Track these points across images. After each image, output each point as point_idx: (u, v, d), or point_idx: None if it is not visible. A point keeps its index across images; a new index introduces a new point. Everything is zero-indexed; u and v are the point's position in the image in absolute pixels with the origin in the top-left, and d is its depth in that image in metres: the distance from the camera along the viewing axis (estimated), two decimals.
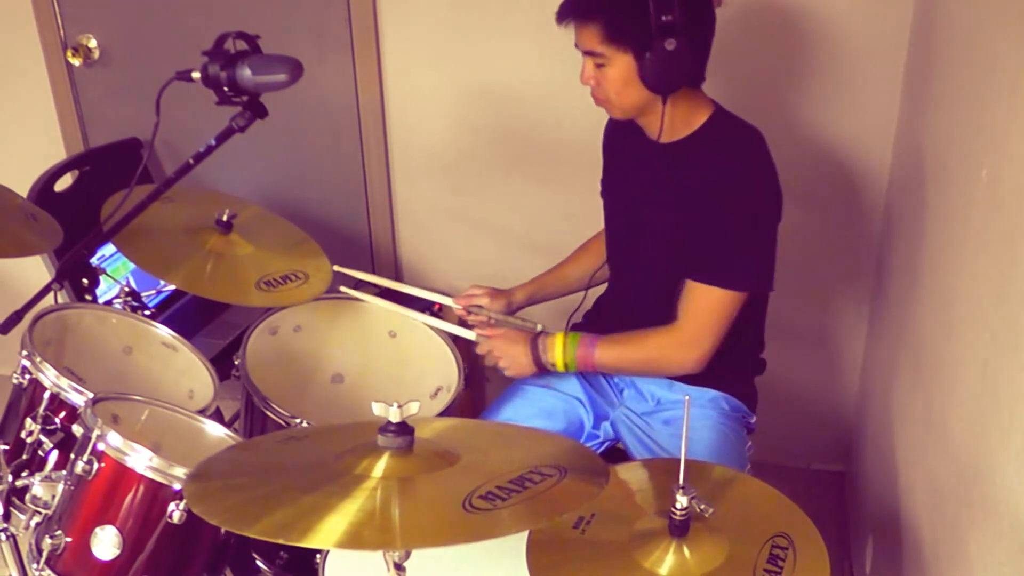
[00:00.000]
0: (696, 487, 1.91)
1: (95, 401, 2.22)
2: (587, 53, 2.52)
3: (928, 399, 2.71)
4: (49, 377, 2.35)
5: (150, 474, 2.10)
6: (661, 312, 2.62)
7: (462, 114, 3.74)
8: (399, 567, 1.83)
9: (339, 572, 2.18)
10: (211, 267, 2.56)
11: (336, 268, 2.70)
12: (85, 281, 2.73)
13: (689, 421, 1.86)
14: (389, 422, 1.80)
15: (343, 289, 2.78)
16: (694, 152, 2.57)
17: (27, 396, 2.39)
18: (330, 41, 3.62)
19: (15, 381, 2.41)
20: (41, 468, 2.32)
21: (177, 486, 2.10)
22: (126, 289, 2.69)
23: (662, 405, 2.77)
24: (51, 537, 2.13)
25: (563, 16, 2.52)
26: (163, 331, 2.64)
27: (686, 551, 1.89)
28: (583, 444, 2.15)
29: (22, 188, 3.01)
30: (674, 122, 2.57)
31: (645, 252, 2.71)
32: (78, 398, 2.33)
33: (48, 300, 2.53)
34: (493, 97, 3.70)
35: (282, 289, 2.60)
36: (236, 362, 2.50)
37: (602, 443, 2.83)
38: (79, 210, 2.75)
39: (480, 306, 2.91)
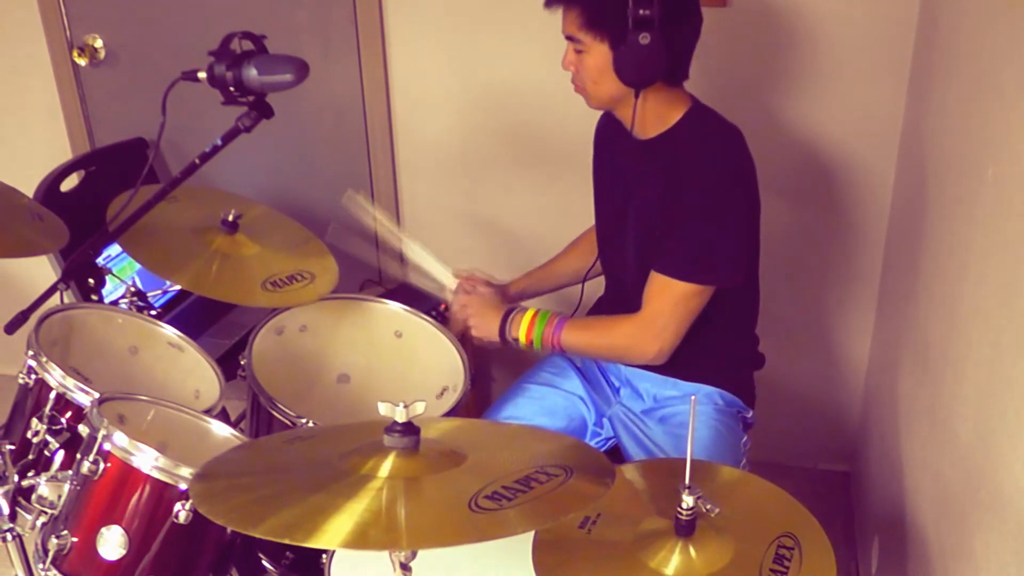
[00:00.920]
0: (702, 487, 1.91)
1: (101, 401, 2.22)
2: (568, 38, 2.53)
3: (934, 399, 2.71)
4: (55, 377, 2.35)
5: (156, 474, 2.10)
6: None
7: (468, 113, 3.74)
8: (405, 567, 1.83)
9: (345, 572, 2.18)
10: (217, 267, 2.56)
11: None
12: (91, 281, 2.73)
13: (695, 421, 1.85)
14: (395, 422, 1.80)
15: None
16: (667, 148, 2.57)
17: (33, 396, 2.39)
18: (336, 40, 3.62)
19: (21, 381, 2.41)
20: (47, 468, 2.32)
21: (183, 486, 2.10)
22: (132, 289, 2.69)
23: (658, 403, 2.77)
24: (57, 537, 2.13)
25: (549, 1, 2.53)
26: (169, 331, 2.64)
27: (692, 551, 1.89)
28: (589, 444, 2.15)
29: (28, 188, 3.02)
30: (647, 118, 2.57)
31: (628, 249, 2.71)
32: (84, 398, 2.33)
33: (54, 300, 2.53)
34: (499, 96, 3.70)
35: (288, 289, 2.60)
36: (242, 362, 2.50)
37: (605, 441, 2.83)
38: (85, 210, 2.75)
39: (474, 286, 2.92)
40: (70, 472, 2.19)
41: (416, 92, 3.72)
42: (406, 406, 1.80)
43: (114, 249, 3.14)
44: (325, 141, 3.76)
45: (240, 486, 1.81)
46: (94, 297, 2.94)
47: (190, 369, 2.61)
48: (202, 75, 2.27)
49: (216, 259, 2.63)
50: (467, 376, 2.68)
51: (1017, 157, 2.00)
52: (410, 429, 1.81)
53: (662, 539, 1.91)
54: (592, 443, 2.73)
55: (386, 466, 1.77)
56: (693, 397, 1.91)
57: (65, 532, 2.14)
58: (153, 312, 2.68)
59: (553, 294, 3.14)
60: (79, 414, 2.33)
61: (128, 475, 2.11)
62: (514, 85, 3.68)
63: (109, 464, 2.12)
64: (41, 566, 2.15)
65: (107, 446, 2.11)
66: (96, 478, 2.12)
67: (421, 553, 1.85)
